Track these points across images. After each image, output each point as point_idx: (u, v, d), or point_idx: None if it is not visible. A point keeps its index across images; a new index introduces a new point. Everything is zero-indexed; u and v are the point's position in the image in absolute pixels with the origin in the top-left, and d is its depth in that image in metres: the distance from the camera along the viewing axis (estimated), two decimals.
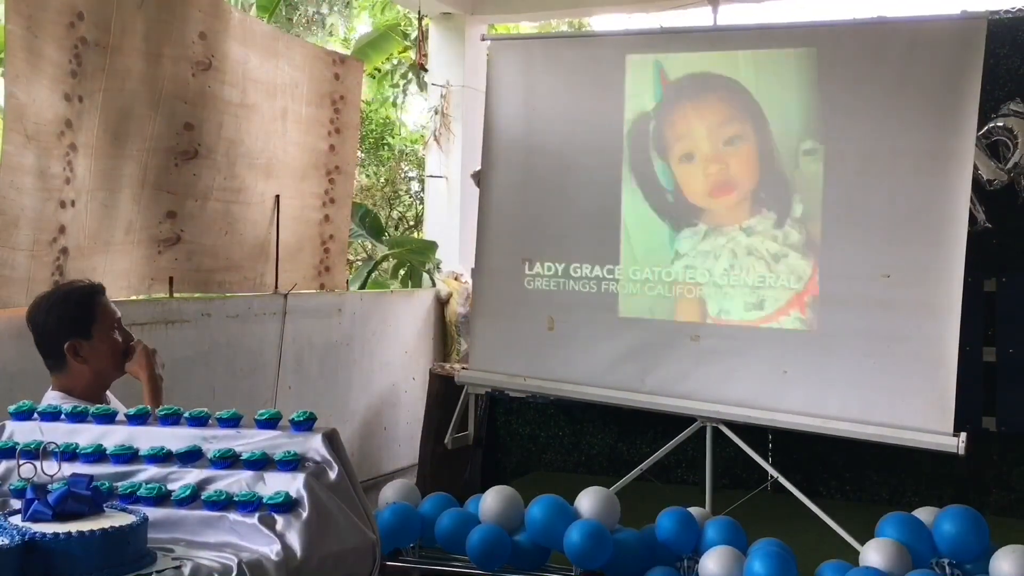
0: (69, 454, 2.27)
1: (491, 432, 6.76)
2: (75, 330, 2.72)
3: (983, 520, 4.01)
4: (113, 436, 2.34)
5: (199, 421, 2.33)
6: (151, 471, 2.25)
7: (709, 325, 5.34)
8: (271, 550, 2.05)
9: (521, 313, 5.76)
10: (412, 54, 9.28)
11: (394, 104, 11.47)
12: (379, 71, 11.11)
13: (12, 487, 2.21)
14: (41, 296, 2.85)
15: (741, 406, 5.17)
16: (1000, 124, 5.53)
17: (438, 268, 7.60)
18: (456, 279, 7.33)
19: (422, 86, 9.64)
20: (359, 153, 9.52)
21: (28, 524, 1.88)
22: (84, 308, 2.77)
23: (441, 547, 4.25)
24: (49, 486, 1.97)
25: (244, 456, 2.22)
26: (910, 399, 4.83)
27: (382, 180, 11.24)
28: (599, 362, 5.54)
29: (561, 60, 5.81)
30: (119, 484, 2.20)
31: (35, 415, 2.42)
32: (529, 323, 5.72)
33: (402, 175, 11.45)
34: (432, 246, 7.62)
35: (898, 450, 5.09)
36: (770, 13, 7.85)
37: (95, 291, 2.82)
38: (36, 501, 1.92)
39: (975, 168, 5.07)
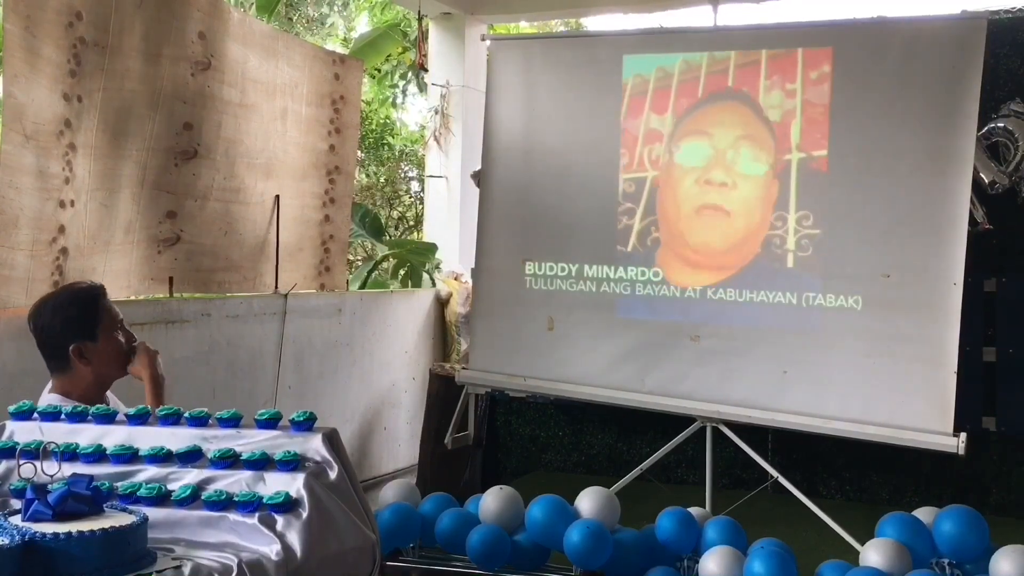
0: (69, 454, 2.26)
1: (491, 432, 6.76)
2: (80, 332, 2.71)
3: (983, 520, 4.01)
4: (113, 436, 2.34)
5: (199, 421, 2.33)
6: (151, 471, 2.24)
7: (709, 325, 5.33)
8: (271, 550, 2.05)
9: (521, 313, 5.76)
10: (412, 54, 9.28)
11: (394, 104, 11.46)
12: (379, 71, 11.10)
13: (12, 487, 2.20)
14: (44, 298, 2.84)
15: (741, 406, 5.17)
16: (1000, 125, 5.53)
17: (438, 268, 7.59)
18: (456, 279, 7.33)
19: (422, 86, 9.63)
20: (359, 153, 9.51)
21: (28, 524, 1.88)
22: (89, 310, 2.75)
23: (441, 547, 4.25)
24: (49, 486, 1.97)
25: (244, 456, 2.21)
26: (910, 399, 4.83)
27: (382, 180, 11.24)
28: (599, 362, 5.54)
29: (561, 60, 5.81)
30: (119, 484, 2.20)
31: (35, 415, 2.42)
32: (529, 323, 5.72)
33: (402, 175, 11.45)
34: (432, 247, 7.62)
35: (898, 450, 5.10)
36: (770, 14, 7.85)
37: (98, 293, 2.81)
38: (36, 501, 1.92)
39: (976, 171, 5.06)
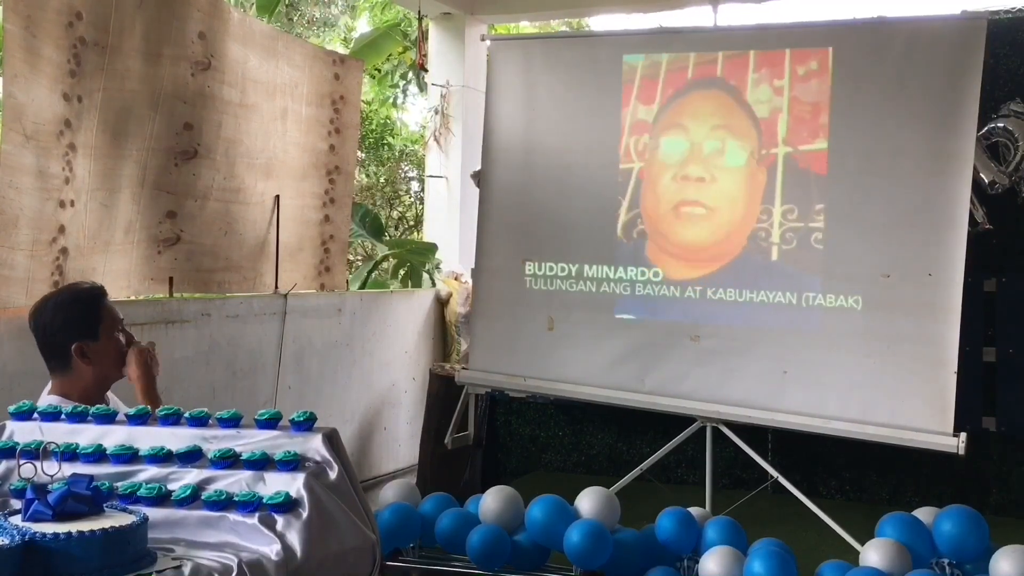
0: (69, 454, 2.27)
1: (491, 432, 6.76)
2: (83, 331, 2.72)
3: (983, 520, 4.01)
4: (113, 436, 2.34)
5: (199, 421, 2.33)
6: (151, 471, 2.24)
7: (709, 325, 5.33)
8: (271, 550, 2.05)
9: (521, 313, 5.76)
10: (412, 54, 9.27)
11: (394, 104, 11.45)
12: (379, 71, 11.09)
13: (12, 487, 2.20)
14: (45, 297, 2.85)
15: (741, 406, 5.17)
16: (1000, 125, 5.53)
17: (438, 268, 7.59)
18: (456, 279, 7.33)
19: (422, 86, 9.62)
20: (359, 153, 9.51)
21: (28, 524, 1.88)
22: (91, 310, 2.77)
23: (441, 547, 4.25)
24: (49, 486, 1.97)
25: (244, 456, 2.21)
26: (910, 399, 4.83)
27: (382, 180, 11.24)
28: (599, 362, 5.54)
29: (561, 60, 5.81)
30: (119, 484, 2.20)
31: (35, 415, 2.42)
32: (529, 323, 5.73)
33: (402, 175, 11.44)
34: (432, 247, 7.62)
35: (898, 450, 5.10)
36: (770, 14, 7.84)
37: (100, 293, 2.83)
38: (36, 501, 1.92)
39: (976, 171, 5.07)
